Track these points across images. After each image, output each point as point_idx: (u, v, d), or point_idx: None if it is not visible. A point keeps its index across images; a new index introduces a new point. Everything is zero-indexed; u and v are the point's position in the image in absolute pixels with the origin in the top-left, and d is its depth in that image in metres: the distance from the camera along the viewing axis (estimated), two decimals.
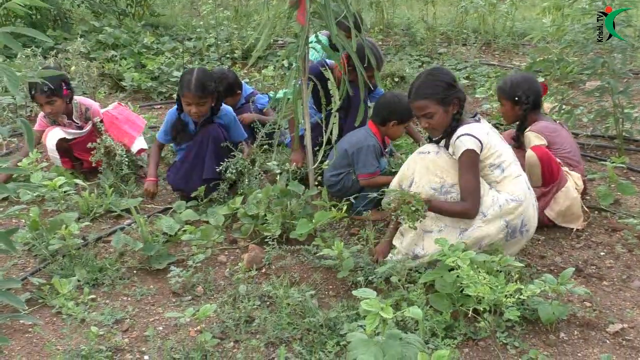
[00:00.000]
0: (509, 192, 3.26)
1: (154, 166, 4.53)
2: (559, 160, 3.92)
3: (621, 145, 5.09)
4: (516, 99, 4.11)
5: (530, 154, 3.85)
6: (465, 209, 3.24)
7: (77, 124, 4.81)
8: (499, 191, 3.28)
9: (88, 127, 4.80)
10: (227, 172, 4.17)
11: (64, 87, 4.62)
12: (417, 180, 3.34)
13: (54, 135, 4.62)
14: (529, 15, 10.20)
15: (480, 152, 3.24)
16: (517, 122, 4.22)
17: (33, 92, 4.53)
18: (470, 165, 3.24)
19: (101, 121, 4.77)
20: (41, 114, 4.79)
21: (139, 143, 4.82)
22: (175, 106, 4.47)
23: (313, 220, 3.60)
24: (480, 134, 3.24)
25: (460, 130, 3.26)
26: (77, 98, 4.88)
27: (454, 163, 3.29)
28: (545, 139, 3.96)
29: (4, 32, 1.98)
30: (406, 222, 3.18)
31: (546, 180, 3.86)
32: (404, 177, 3.42)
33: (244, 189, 4.14)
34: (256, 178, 4.21)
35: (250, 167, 4.23)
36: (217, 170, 4.22)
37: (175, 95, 4.97)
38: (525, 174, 3.45)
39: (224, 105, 4.50)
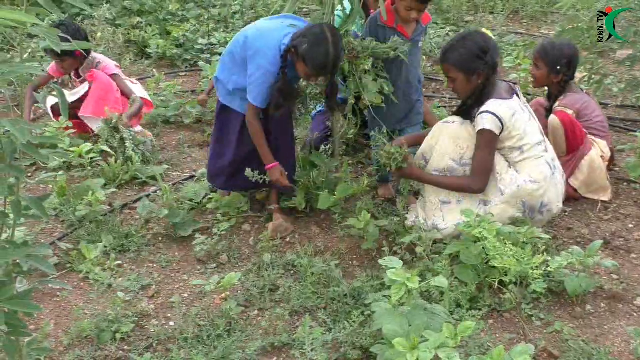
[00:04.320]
0: (528, 173, 3.22)
1: (267, 149, 3.52)
2: (586, 129, 3.86)
3: None
4: (558, 67, 3.91)
5: (552, 118, 3.79)
6: (470, 184, 3.26)
7: (81, 77, 4.79)
8: (518, 171, 3.25)
9: (84, 88, 4.73)
10: None
11: None
12: (439, 148, 3.34)
13: (51, 100, 4.68)
14: None
15: (501, 132, 3.19)
16: (547, 90, 4.12)
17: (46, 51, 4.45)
18: (487, 145, 3.22)
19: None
20: (49, 68, 4.80)
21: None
22: (272, 61, 3.31)
23: (335, 194, 3.57)
24: (505, 113, 3.17)
25: (486, 106, 3.20)
26: (96, 55, 4.87)
27: (473, 136, 3.27)
28: (574, 112, 3.87)
29: None
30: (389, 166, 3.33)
31: (570, 146, 3.80)
32: (428, 147, 3.41)
33: None
34: None
35: None
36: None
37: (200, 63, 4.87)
38: (550, 149, 3.39)
39: None
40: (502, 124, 3.17)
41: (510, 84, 3.44)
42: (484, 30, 3.31)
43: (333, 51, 3.18)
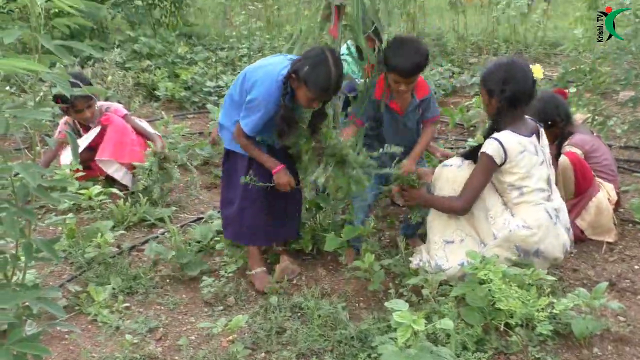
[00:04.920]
0: (522, 218, 3.21)
1: (266, 155, 3.43)
2: (594, 172, 3.89)
3: None
4: (549, 123, 3.96)
5: (563, 158, 3.82)
6: (454, 203, 3.33)
7: (91, 126, 4.83)
8: (514, 215, 3.25)
9: (95, 131, 4.77)
10: None
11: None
12: (437, 191, 3.44)
13: (67, 157, 4.67)
14: (561, 24, 10.11)
15: (502, 164, 3.22)
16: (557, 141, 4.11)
17: (73, 99, 4.52)
18: (482, 169, 3.28)
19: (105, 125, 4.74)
20: (62, 120, 4.89)
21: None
22: (270, 90, 3.21)
23: (342, 235, 3.58)
24: (513, 147, 3.20)
25: (497, 134, 3.25)
26: (102, 103, 4.95)
27: None
28: (583, 153, 3.91)
29: (57, 45, 2.06)
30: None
31: (579, 188, 3.83)
32: (431, 187, 3.51)
33: None
34: None
35: None
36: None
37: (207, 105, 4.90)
38: (557, 199, 3.37)
39: None
40: (505, 155, 3.20)
41: (539, 124, 3.44)
42: (535, 65, 3.31)
43: (335, 71, 3.10)
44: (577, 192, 3.85)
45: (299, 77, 3.11)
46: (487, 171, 3.27)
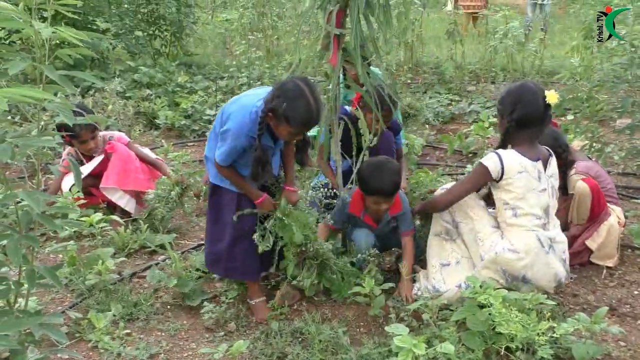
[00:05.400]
0: (511, 241, 3.24)
1: (249, 185, 3.34)
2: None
3: None
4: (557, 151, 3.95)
5: (581, 184, 3.83)
6: (436, 199, 3.61)
7: (94, 156, 4.85)
8: (503, 237, 3.28)
9: (97, 160, 4.78)
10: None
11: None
12: (435, 214, 3.56)
13: (68, 184, 4.69)
14: (558, 53, 10.23)
15: (499, 179, 3.28)
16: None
17: (78, 130, 4.57)
18: (473, 176, 3.41)
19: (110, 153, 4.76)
20: (65, 152, 4.92)
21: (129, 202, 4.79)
22: (242, 123, 3.14)
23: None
24: (512, 165, 3.25)
25: (500, 150, 3.33)
26: (104, 132, 4.97)
27: (466, 200, 3.43)
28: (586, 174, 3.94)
29: (61, 75, 2.10)
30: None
31: (593, 213, 3.86)
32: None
33: None
34: None
35: None
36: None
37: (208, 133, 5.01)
38: (554, 229, 3.37)
39: None
40: (502, 171, 3.26)
41: (549, 153, 3.46)
42: (550, 91, 3.37)
43: (314, 102, 3.02)
44: (590, 218, 3.88)
45: (277, 115, 3.03)
46: (476, 180, 3.38)
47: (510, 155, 3.28)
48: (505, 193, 3.29)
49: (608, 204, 3.96)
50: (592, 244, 3.89)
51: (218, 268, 3.59)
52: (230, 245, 3.43)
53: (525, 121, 3.30)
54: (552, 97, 3.31)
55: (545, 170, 3.35)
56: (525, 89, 3.37)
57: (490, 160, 3.28)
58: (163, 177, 4.71)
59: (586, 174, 3.94)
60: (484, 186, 3.48)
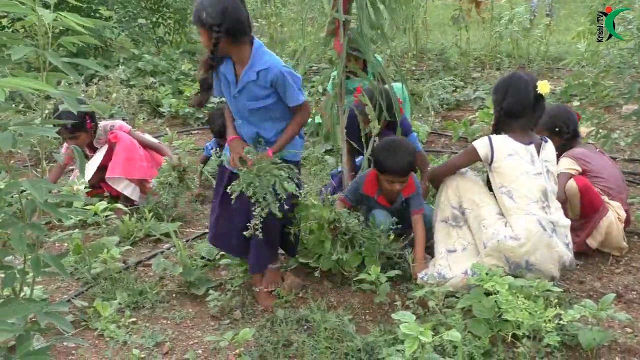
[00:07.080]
0: (513, 227, 3.25)
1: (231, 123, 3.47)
2: (598, 190, 3.87)
3: None
4: (557, 129, 4.02)
5: (571, 184, 3.81)
6: (434, 168, 3.86)
7: (97, 147, 4.83)
8: (506, 225, 3.29)
9: (102, 151, 4.78)
10: None
11: (88, 121, 4.62)
12: (443, 199, 3.56)
13: (90, 173, 4.68)
14: (564, 39, 10.16)
15: (489, 162, 3.36)
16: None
17: (61, 129, 4.44)
18: (464, 155, 3.54)
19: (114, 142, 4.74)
20: (66, 143, 4.90)
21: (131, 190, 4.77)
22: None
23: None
24: (502, 149, 3.33)
25: (492, 135, 3.42)
26: (106, 122, 4.93)
27: (474, 183, 3.51)
28: (580, 166, 3.90)
29: (65, 62, 2.08)
30: None
31: (585, 211, 3.82)
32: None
33: None
34: None
35: None
36: None
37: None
38: (556, 212, 3.38)
39: None
40: (492, 153, 3.33)
41: (544, 140, 3.48)
42: (542, 81, 3.39)
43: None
44: (585, 215, 3.84)
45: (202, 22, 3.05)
46: (466, 158, 3.51)
47: (501, 139, 3.37)
48: (499, 176, 3.35)
49: (605, 200, 3.91)
50: (592, 241, 3.85)
51: (209, 234, 3.65)
52: (217, 217, 3.51)
53: (515, 110, 3.38)
54: (544, 86, 3.32)
55: (538, 155, 3.38)
56: (515, 79, 3.44)
57: (480, 143, 3.39)
58: (163, 164, 4.67)
59: (574, 159, 3.92)
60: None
